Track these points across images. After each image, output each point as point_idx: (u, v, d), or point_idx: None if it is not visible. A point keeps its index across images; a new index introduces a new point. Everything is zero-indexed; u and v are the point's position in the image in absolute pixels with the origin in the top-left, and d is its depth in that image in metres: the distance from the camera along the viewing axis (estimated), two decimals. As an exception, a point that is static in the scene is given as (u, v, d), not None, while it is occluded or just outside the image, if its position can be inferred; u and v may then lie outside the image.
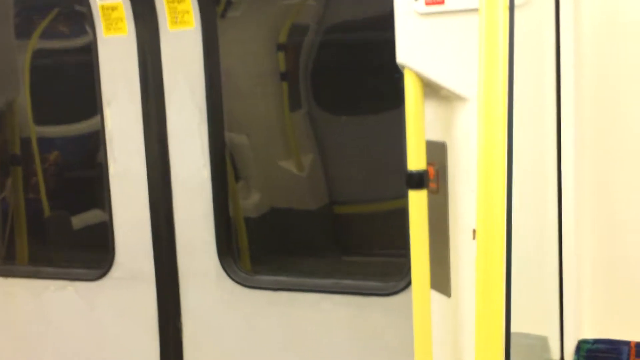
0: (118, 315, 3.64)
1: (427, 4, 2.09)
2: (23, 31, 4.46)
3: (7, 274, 3.90)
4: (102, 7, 3.34)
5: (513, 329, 1.80)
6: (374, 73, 4.24)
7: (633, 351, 1.90)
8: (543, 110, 1.96)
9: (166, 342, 3.53)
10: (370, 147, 4.46)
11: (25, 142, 4.50)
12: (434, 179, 2.26)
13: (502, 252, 1.72)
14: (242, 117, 4.20)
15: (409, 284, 2.80)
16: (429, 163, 2.20)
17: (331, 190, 4.62)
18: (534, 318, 2.02)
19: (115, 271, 3.58)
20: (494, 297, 1.73)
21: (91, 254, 3.94)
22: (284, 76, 4.49)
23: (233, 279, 3.36)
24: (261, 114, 4.48)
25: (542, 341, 2.03)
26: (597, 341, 1.96)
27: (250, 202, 4.24)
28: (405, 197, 2.23)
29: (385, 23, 2.51)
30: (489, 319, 1.75)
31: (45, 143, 4.69)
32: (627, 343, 1.92)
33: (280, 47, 4.43)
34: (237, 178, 4.11)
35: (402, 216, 2.52)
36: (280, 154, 4.55)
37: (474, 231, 2.09)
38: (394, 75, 2.35)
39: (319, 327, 3.25)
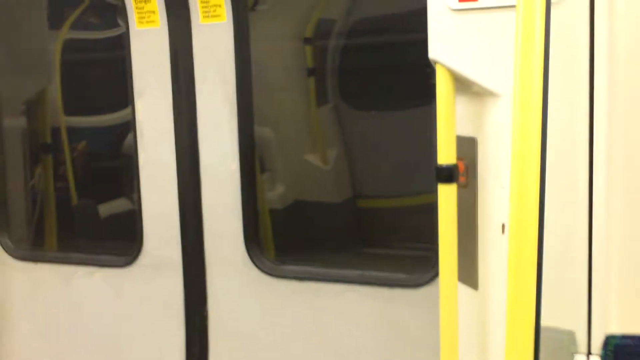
0: (145, 302, 3.68)
1: (460, 0, 2.11)
2: (55, 21, 4.52)
3: (36, 259, 3.96)
4: (135, 0, 3.39)
5: (542, 323, 1.83)
6: (400, 69, 4.26)
7: (662, 346, 1.92)
8: (576, 107, 1.98)
9: (192, 329, 3.56)
10: (394, 143, 4.49)
11: (55, 132, 4.56)
12: (463, 173, 2.29)
13: (535, 247, 1.75)
14: (269, 111, 4.23)
15: (434, 276, 2.83)
16: (458, 158, 2.22)
17: (355, 184, 4.65)
18: (562, 312, 2.04)
19: (143, 258, 3.62)
20: (525, 291, 1.76)
21: (117, 242, 4.00)
22: (311, 71, 4.52)
23: (260, 268, 3.39)
24: (288, 108, 4.51)
25: (570, 335, 2.05)
26: (625, 337, 1.97)
27: (275, 194, 4.28)
28: (429, 192, 2.26)
29: (413, 18, 2.54)
30: (520, 313, 1.77)
31: (75, 133, 4.75)
32: (655, 339, 1.94)
33: (307, 41, 4.46)
34: (262, 170, 4.14)
35: (425, 211, 2.55)
36: (306, 147, 4.57)
37: (503, 226, 2.12)
38: (425, 71, 2.38)
39: (344, 318, 3.27)
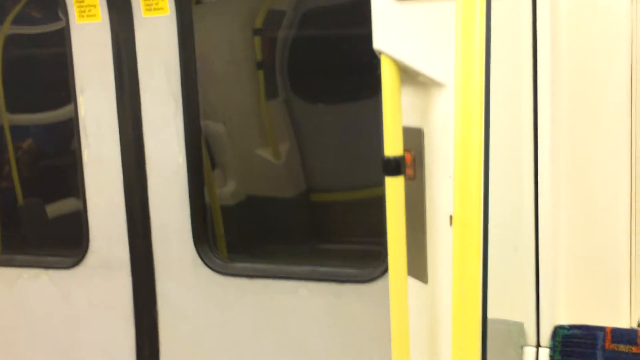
0: (93, 304, 3.61)
1: (404, -10, 2.08)
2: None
3: (-21, 263, 3.86)
4: None
5: (490, 315, 1.81)
6: (351, 61, 4.23)
7: (608, 337, 1.92)
8: (520, 97, 1.97)
9: (142, 330, 3.51)
10: (347, 136, 4.46)
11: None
12: (410, 165, 2.26)
13: (479, 238, 1.73)
14: (218, 105, 4.17)
15: (385, 271, 2.80)
16: (405, 149, 2.19)
17: (308, 178, 4.62)
18: (510, 304, 2.03)
19: (90, 259, 3.56)
20: (470, 283, 1.74)
21: (66, 242, 3.91)
22: (260, 64, 4.47)
23: (209, 267, 3.35)
24: (238, 101, 4.46)
25: (519, 327, 2.04)
26: (572, 327, 1.97)
27: (226, 190, 4.22)
28: (382, 184, 2.23)
29: (361, 9, 2.50)
30: (465, 305, 1.75)
31: (19, 131, 4.63)
32: (602, 329, 1.94)
33: (256, 32, 4.41)
34: (213, 166, 4.09)
35: (379, 204, 2.52)
36: (256, 142, 4.53)
37: (451, 217, 2.10)
38: (372, 62, 2.34)
39: (296, 315, 3.25)
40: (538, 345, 2.03)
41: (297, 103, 4.61)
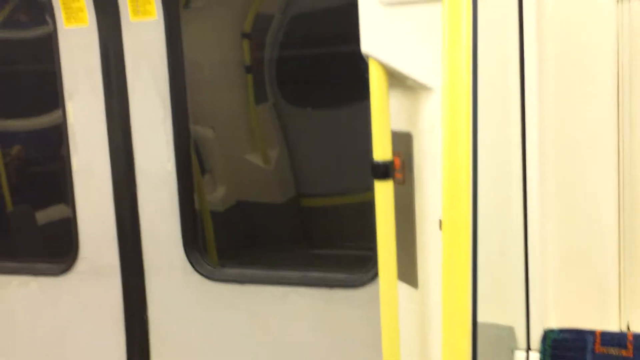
0: (83, 310, 3.59)
1: (390, -6, 2.08)
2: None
3: (-33, 270, 3.83)
4: None
5: (479, 319, 1.80)
6: (339, 65, 4.23)
7: (598, 340, 1.91)
8: (507, 100, 1.96)
9: (132, 336, 3.50)
10: (337, 140, 4.46)
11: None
12: (399, 169, 2.25)
13: (468, 243, 1.72)
14: (207, 110, 4.17)
15: (376, 275, 2.80)
16: (394, 153, 2.19)
17: (298, 183, 4.61)
18: (500, 308, 2.03)
19: (80, 265, 3.54)
20: (460, 287, 1.73)
21: (56, 249, 3.90)
22: (248, 68, 4.47)
23: (199, 272, 3.34)
24: (227, 106, 4.45)
25: (509, 331, 2.04)
26: (562, 331, 1.97)
27: (216, 195, 4.22)
28: (371, 189, 2.22)
29: (349, 13, 2.50)
30: (455, 310, 1.75)
31: (8, 137, 4.62)
32: (592, 332, 1.94)
33: (245, 36, 4.40)
34: (202, 171, 4.08)
35: (369, 209, 2.52)
36: (246, 147, 4.52)
37: (441, 221, 2.09)
38: (360, 66, 2.34)
39: (286, 320, 3.24)
40: (528, 349, 2.02)
41: (286, 107, 4.61)
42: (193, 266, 3.33)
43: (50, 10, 3.34)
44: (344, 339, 3.11)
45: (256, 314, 3.29)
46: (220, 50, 4.36)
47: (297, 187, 4.60)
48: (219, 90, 4.36)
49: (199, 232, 3.54)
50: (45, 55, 3.53)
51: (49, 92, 3.61)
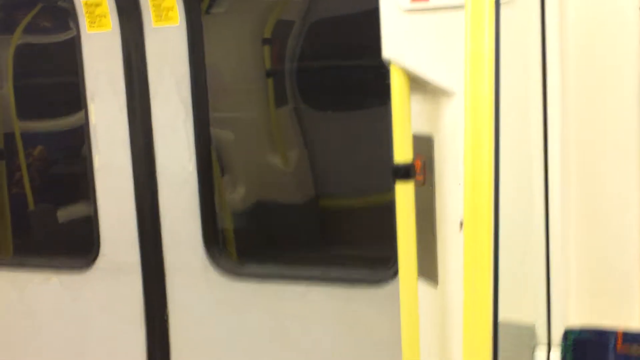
0: (104, 307, 3.64)
1: (412, 1, 2.12)
2: (7, 26, 4.45)
3: (-9, 267, 3.90)
4: (86, 4, 3.34)
5: (500, 317, 1.84)
6: (359, 69, 4.27)
7: (620, 338, 1.93)
8: (529, 104, 2.00)
9: (153, 334, 3.54)
10: (355, 142, 4.50)
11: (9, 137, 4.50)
12: (420, 171, 2.30)
13: (490, 243, 1.76)
14: (228, 113, 4.21)
15: (395, 274, 2.84)
16: (415, 156, 2.24)
17: (317, 185, 4.66)
18: (521, 306, 2.06)
19: (101, 262, 3.58)
20: (481, 286, 1.77)
21: (76, 247, 3.95)
22: (269, 72, 4.51)
23: (219, 271, 3.37)
24: (247, 109, 4.50)
25: (530, 329, 2.07)
26: (583, 331, 1.99)
27: (236, 196, 4.26)
28: (390, 190, 2.27)
29: (370, 19, 2.54)
30: (476, 309, 1.79)
31: (31, 138, 4.69)
32: (614, 332, 1.96)
33: (265, 41, 4.45)
34: (223, 173, 4.13)
35: (387, 210, 2.56)
36: (266, 149, 4.57)
37: (461, 223, 2.13)
38: (380, 71, 2.39)
39: (307, 318, 3.27)
40: (549, 347, 2.05)
41: (306, 110, 4.65)
42: (213, 264, 3.37)
43: (73, 15, 3.40)
44: (364, 337, 3.14)
45: (276, 311, 3.32)
46: (240, 55, 4.40)
47: (316, 188, 4.65)
48: (239, 93, 4.41)
49: (219, 232, 3.59)
50: (67, 60, 3.59)
51: (70, 95, 3.68)
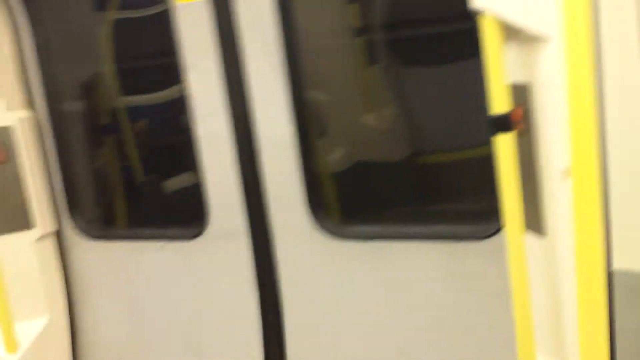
0: (216, 272, 3.75)
1: (503, -55, 2.06)
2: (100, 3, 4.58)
3: (109, 238, 4.07)
4: None
5: (616, 266, 1.79)
6: (450, 20, 4.17)
7: None
8: (628, 43, 1.92)
9: (264, 296, 3.63)
10: (450, 96, 4.43)
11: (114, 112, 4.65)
12: (522, 120, 2.25)
13: (598, 190, 1.72)
14: (321, 75, 4.20)
15: (500, 227, 2.80)
16: (516, 105, 2.19)
17: (414, 141, 4.62)
18: (635, 253, 2.00)
19: (211, 229, 3.68)
20: (592, 235, 1.73)
21: (184, 216, 4.07)
22: (359, 31, 4.47)
23: (325, 231, 3.41)
24: (339, 70, 4.48)
25: (642, 276, 2.01)
26: None
27: (334, 157, 4.27)
28: (489, 143, 2.23)
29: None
30: (589, 257, 1.75)
31: (134, 112, 4.83)
32: None
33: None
34: (320, 135, 4.14)
35: (487, 163, 2.52)
36: (360, 108, 4.55)
37: (566, 170, 2.08)
38: (472, 21, 2.33)
39: (413, 275, 3.28)
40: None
41: (398, 67, 4.60)
42: (318, 225, 3.41)
43: (163, -13, 3.46)
44: (472, 291, 3.13)
45: (382, 269, 3.34)
46: (329, 14, 4.38)
47: (414, 145, 4.61)
48: (330, 54, 4.39)
49: (322, 194, 3.62)
50: (163, 32, 3.66)
51: (168, 67, 3.75)
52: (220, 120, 3.50)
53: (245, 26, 3.37)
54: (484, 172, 2.69)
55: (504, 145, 2.19)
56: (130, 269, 4.01)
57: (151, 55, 4.54)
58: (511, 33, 2.12)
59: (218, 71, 3.45)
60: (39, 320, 4.03)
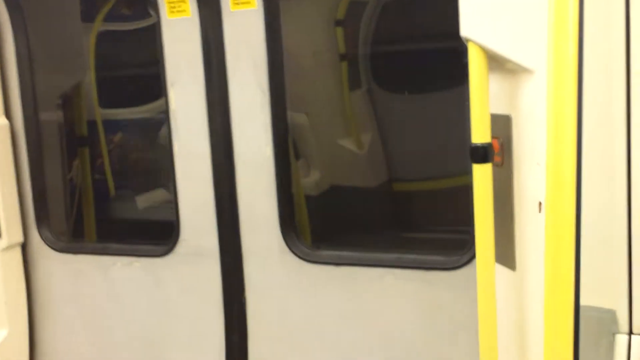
0: (184, 290, 3.71)
1: (491, -23, 2.08)
2: (88, 14, 4.57)
3: (76, 251, 4.01)
4: None
5: (581, 302, 1.80)
6: (433, 50, 4.23)
7: None
8: (612, 83, 1.94)
9: (231, 317, 3.59)
10: (429, 125, 4.47)
11: (91, 125, 4.62)
12: (498, 152, 2.26)
13: (572, 225, 1.72)
14: (302, 96, 4.22)
15: (471, 258, 2.81)
16: (493, 136, 2.20)
17: (391, 168, 4.64)
18: (601, 291, 2.01)
19: (181, 247, 3.65)
20: (563, 270, 1.73)
21: (155, 232, 4.03)
22: (343, 55, 4.51)
23: (296, 255, 3.40)
24: (321, 93, 4.50)
25: (611, 314, 2.02)
26: None
27: (310, 180, 4.27)
28: (464, 173, 2.23)
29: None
30: (558, 293, 1.75)
31: (111, 125, 4.81)
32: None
33: (338, 23, 4.44)
34: (297, 156, 4.14)
35: (461, 193, 2.53)
36: (340, 132, 4.56)
37: (540, 204, 2.09)
38: (456, 51, 2.35)
39: (383, 302, 3.27)
40: (630, 333, 2.00)
41: (380, 93, 4.63)
42: (290, 248, 3.40)
43: (153, 2, 3.46)
44: (441, 321, 3.12)
45: (352, 295, 3.33)
46: (314, 38, 4.41)
47: (390, 172, 4.63)
48: (313, 77, 4.42)
49: (295, 216, 3.61)
50: (146, 47, 3.66)
51: (151, 82, 3.74)
52: (198, 138, 3.49)
53: (231, 45, 3.38)
54: (458, 201, 2.70)
55: (482, 176, 2.20)
56: (97, 284, 3.96)
57: (134, 68, 4.53)
58: (496, 63, 2.15)
59: (201, 88, 3.45)
60: (-2, 332, 3.94)
